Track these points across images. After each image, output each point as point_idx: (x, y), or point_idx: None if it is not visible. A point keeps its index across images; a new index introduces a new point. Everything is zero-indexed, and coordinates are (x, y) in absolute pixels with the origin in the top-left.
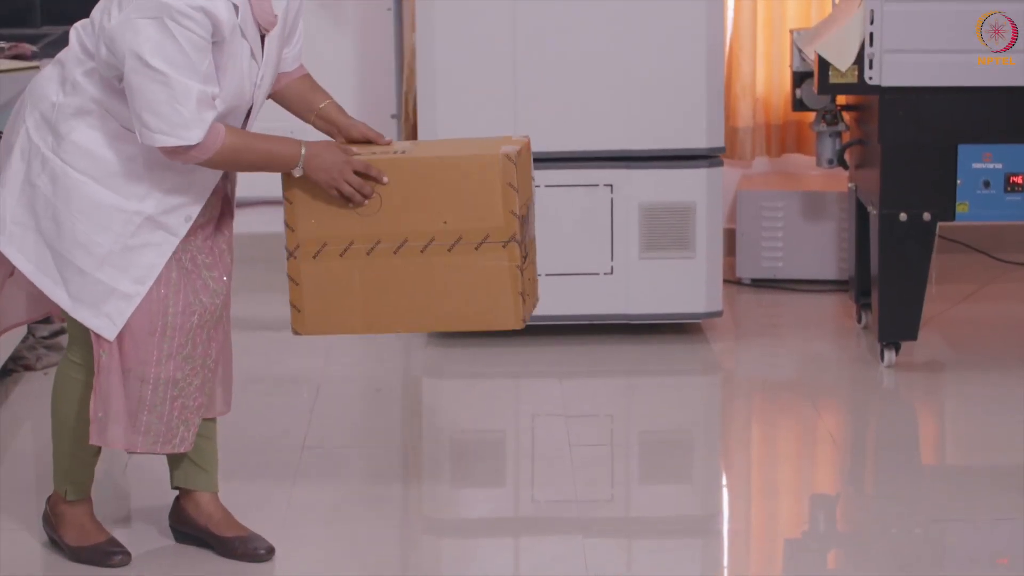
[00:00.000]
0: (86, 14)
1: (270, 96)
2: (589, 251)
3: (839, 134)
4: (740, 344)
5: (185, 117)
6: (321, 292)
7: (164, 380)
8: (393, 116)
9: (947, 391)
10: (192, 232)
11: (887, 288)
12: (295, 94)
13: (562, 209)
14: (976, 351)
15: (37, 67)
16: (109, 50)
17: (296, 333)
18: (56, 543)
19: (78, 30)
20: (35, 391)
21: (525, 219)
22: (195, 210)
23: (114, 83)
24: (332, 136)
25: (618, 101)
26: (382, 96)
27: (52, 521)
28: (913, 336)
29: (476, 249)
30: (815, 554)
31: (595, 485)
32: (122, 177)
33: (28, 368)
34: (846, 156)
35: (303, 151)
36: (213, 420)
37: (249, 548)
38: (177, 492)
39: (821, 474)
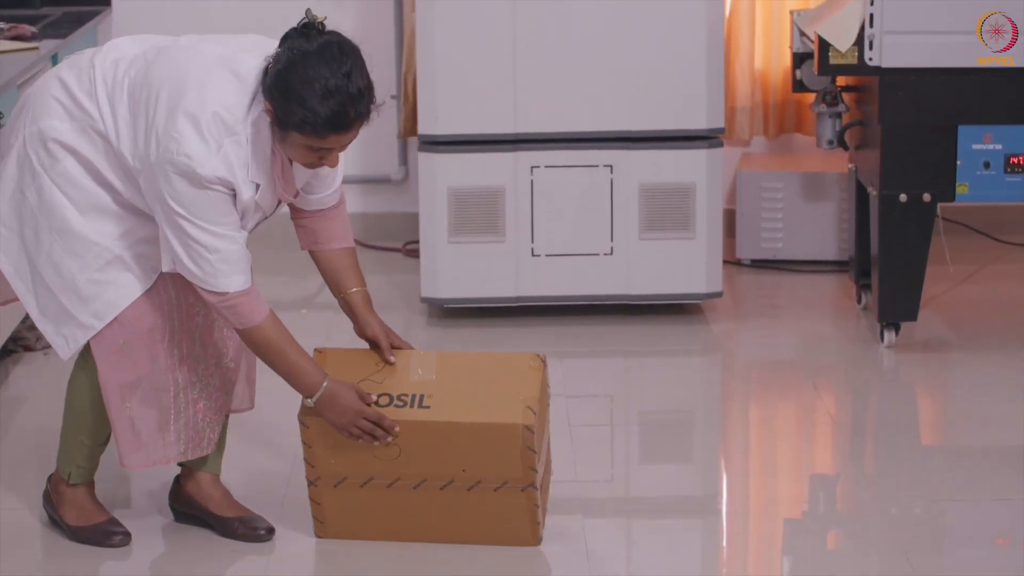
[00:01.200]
0: None
1: (309, 252)
2: (589, 232)
3: (839, 115)
4: (740, 324)
5: (213, 266)
6: (343, 511)
7: (183, 384)
8: (393, 96)
9: (947, 371)
10: None
11: (887, 269)
12: (332, 267)
13: (562, 190)
14: (976, 332)
15: (37, 48)
16: (142, 169)
17: (319, 537)
18: (56, 522)
19: (103, 79)
20: (35, 371)
21: (539, 456)
22: (165, 265)
23: (123, 165)
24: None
25: (618, 82)
26: (382, 76)
27: (53, 500)
28: (913, 317)
29: (495, 491)
30: (814, 534)
31: (595, 465)
32: (102, 212)
33: (28, 348)
34: (846, 137)
35: (324, 386)
36: None
37: (249, 528)
38: (178, 472)
39: (821, 454)
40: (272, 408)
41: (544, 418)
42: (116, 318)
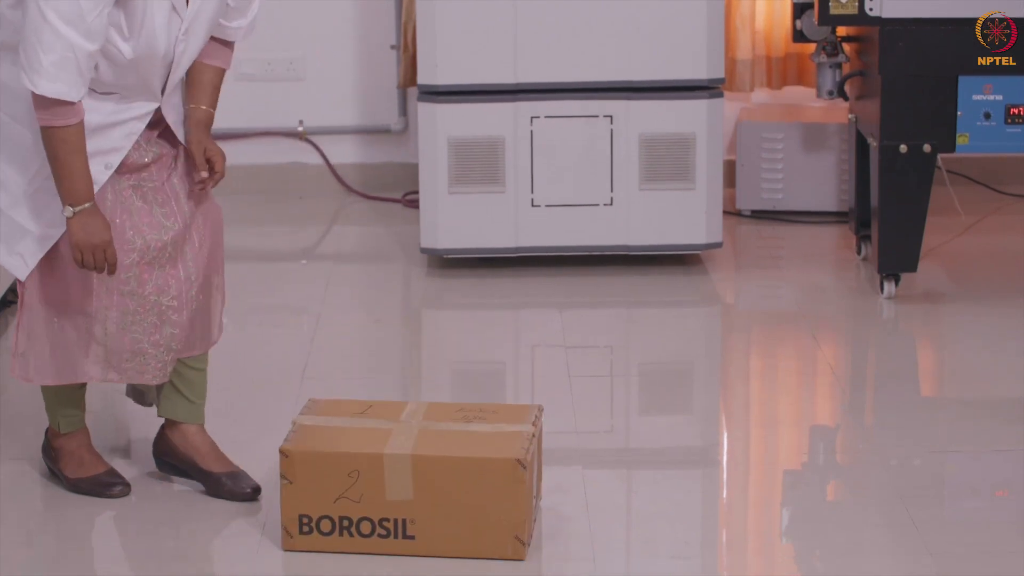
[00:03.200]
0: None
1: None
2: (589, 182)
3: (839, 65)
4: (740, 275)
5: (43, 65)
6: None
7: (107, 314)
8: (392, 47)
9: (946, 323)
10: (142, 169)
11: (887, 220)
12: (192, 80)
13: (562, 140)
14: (976, 283)
15: None
16: None
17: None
18: (56, 474)
19: None
20: None
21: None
22: (116, 158)
23: None
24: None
25: (618, 32)
26: (382, 26)
27: (51, 453)
28: (913, 268)
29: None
30: (814, 485)
31: (595, 416)
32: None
33: None
34: (846, 88)
35: (87, 206)
36: (204, 351)
37: (237, 486)
38: (163, 422)
39: (820, 405)
40: (269, 352)
41: (533, 495)
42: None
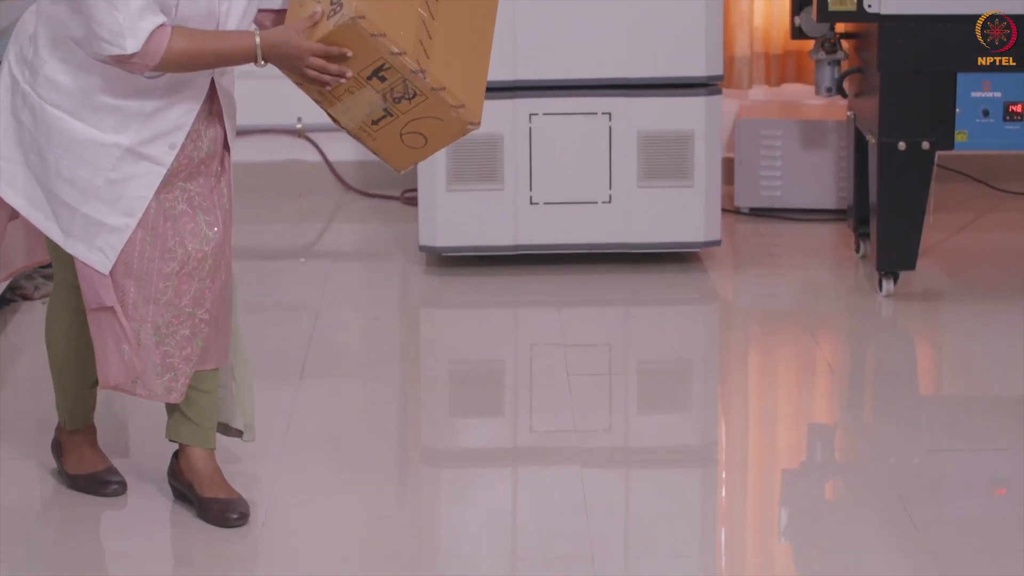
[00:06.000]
0: None
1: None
2: (587, 179)
3: (838, 62)
4: (738, 273)
5: (122, 24)
6: None
7: (143, 325)
8: None
9: (945, 321)
10: (193, 170)
11: (885, 217)
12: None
13: (561, 137)
14: (974, 281)
15: None
16: None
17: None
18: (59, 470)
19: None
20: (33, 320)
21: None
22: (179, 137)
23: (76, 6)
24: None
25: (617, 29)
26: None
27: (58, 448)
28: (911, 266)
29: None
30: (813, 483)
31: (593, 414)
32: (94, 110)
33: (26, 297)
34: (845, 84)
35: (258, 41)
36: (213, 372)
37: (223, 513)
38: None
39: (819, 403)
40: (268, 350)
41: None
42: None
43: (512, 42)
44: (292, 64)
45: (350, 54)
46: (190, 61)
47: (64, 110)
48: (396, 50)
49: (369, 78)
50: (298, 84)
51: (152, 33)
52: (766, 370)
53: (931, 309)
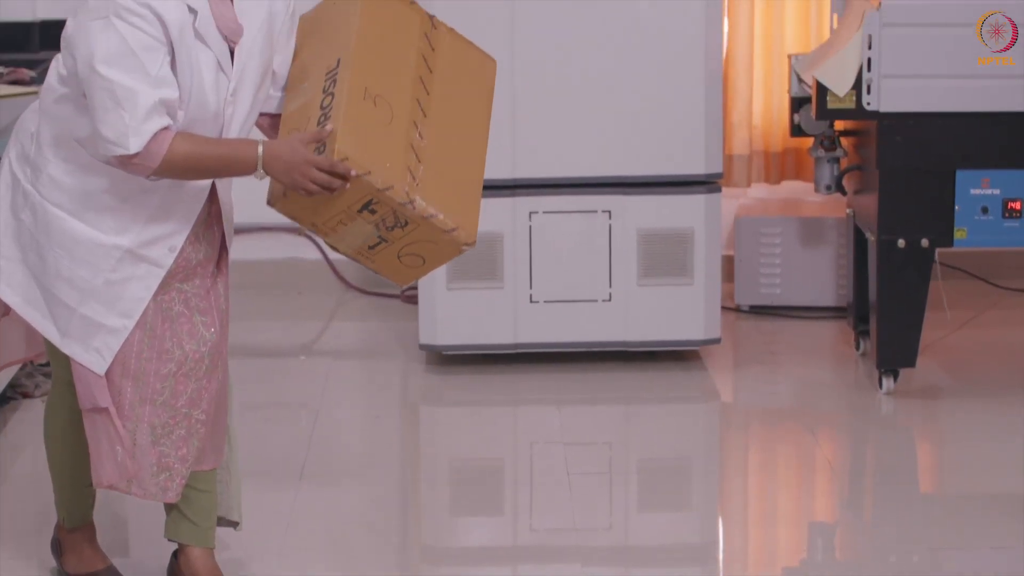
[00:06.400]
0: None
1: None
2: (587, 277)
3: (837, 160)
4: (738, 371)
5: (127, 124)
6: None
7: (140, 425)
8: None
9: (945, 418)
10: (190, 272)
11: (885, 315)
12: (269, 124)
13: (561, 235)
14: (974, 378)
15: (36, 92)
16: (71, 56)
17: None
18: (60, 570)
19: (56, 59)
20: (34, 418)
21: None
22: (179, 240)
23: (81, 102)
24: None
25: (616, 127)
26: None
27: (57, 546)
28: (911, 363)
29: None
30: None
31: (594, 513)
32: (96, 211)
33: (26, 396)
34: (844, 182)
35: (260, 152)
36: (210, 472)
37: None
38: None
39: (819, 502)
40: (268, 449)
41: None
42: None
43: (511, 140)
44: (293, 177)
45: (354, 173)
46: (192, 165)
47: (66, 210)
48: (382, 186)
49: (360, 211)
50: (292, 215)
51: (156, 134)
52: (766, 468)
53: (931, 407)
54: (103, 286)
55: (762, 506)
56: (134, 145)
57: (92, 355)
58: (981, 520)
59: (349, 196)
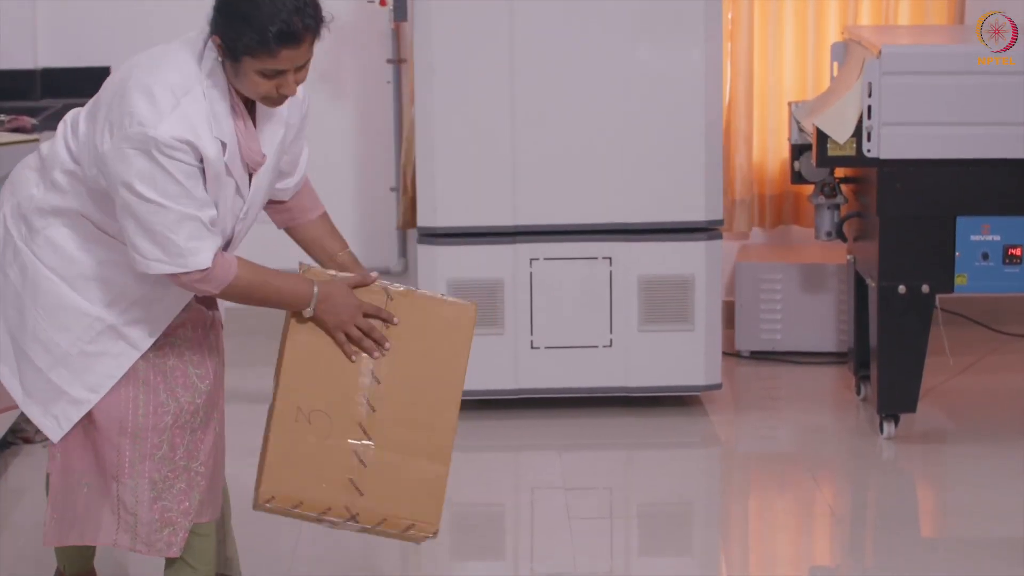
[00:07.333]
0: (85, 88)
1: (286, 229)
2: (588, 323)
3: (838, 207)
4: (739, 417)
5: (180, 246)
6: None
7: (140, 481)
8: (392, 189)
9: (946, 463)
10: (180, 325)
11: (886, 360)
12: (312, 237)
13: (561, 282)
14: (975, 423)
15: (37, 139)
16: (100, 172)
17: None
18: None
19: (66, 125)
20: (34, 463)
21: None
22: (159, 328)
23: (97, 189)
24: None
25: (617, 174)
26: (381, 168)
27: None
28: (912, 408)
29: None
30: None
31: (594, 558)
32: (90, 280)
33: (27, 441)
34: (845, 229)
35: (315, 291)
36: (210, 521)
37: None
38: None
39: (820, 547)
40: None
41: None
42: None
43: (512, 187)
44: (341, 317)
45: (396, 321)
46: (250, 293)
47: (58, 274)
48: (319, 511)
49: (319, 519)
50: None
51: (220, 256)
52: (767, 513)
53: (932, 451)
54: (77, 356)
55: (763, 551)
56: (202, 261)
57: (50, 420)
58: (983, 565)
59: (304, 513)
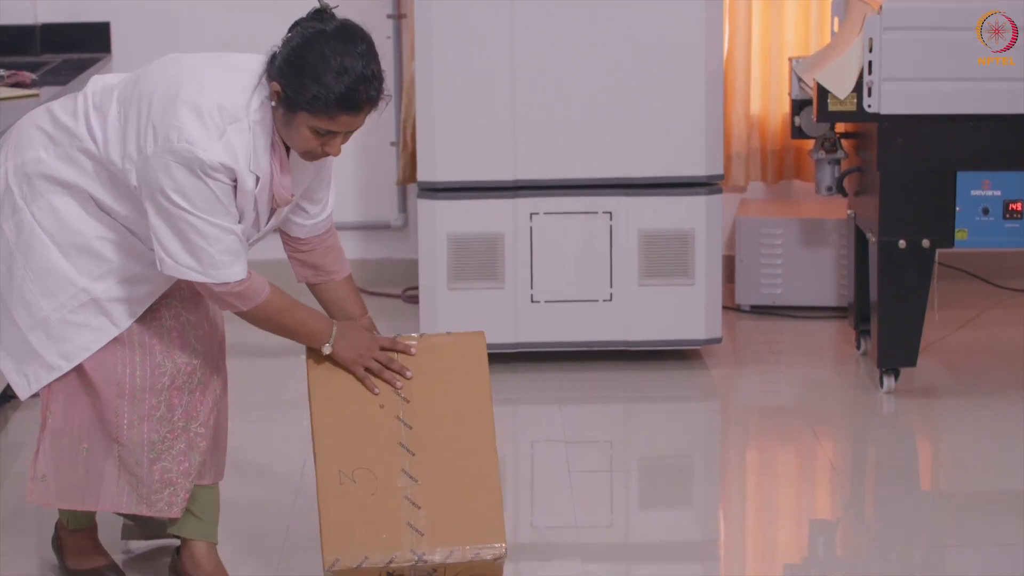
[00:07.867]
0: (84, 43)
1: (308, 285)
2: (589, 278)
3: (838, 162)
4: (739, 370)
5: (215, 258)
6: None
7: (139, 443)
8: (392, 143)
9: (946, 417)
10: (175, 288)
11: (886, 315)
12: (334, 298)
13: (562, 236)
14: (975, 377)
15: (37, 95)
16: (134, 169)
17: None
18: (60, 567)
19: (87, 100)
20: (34, 416)
21: None
22: (142, 308)
23: (114, 174)
24: None
25: (617, 129)
26: (381, 123)
27: (58, 544)
28: (912, 362)
29: None
30: None
31: (595, 511)
32: (83, 252)
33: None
34: (845, 183)
35: (334, 328)
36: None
37: None
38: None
39: (820, 500)
40: (268, 447)
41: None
42: (80, 364)
43: (512, 142)
44: (360, 351)
45: (414, 351)
46: (275, 318)
47: (53, 239)
48: (385, 562)
49: (388, 569)
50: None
51: (257, 279)
52: (767, 466)
53: (932, 405)
54: (57, 323)
55: (763, 504)
56: (223, 276)
57: (20, 379)
58: (982, 518)
59: (373, 565)
